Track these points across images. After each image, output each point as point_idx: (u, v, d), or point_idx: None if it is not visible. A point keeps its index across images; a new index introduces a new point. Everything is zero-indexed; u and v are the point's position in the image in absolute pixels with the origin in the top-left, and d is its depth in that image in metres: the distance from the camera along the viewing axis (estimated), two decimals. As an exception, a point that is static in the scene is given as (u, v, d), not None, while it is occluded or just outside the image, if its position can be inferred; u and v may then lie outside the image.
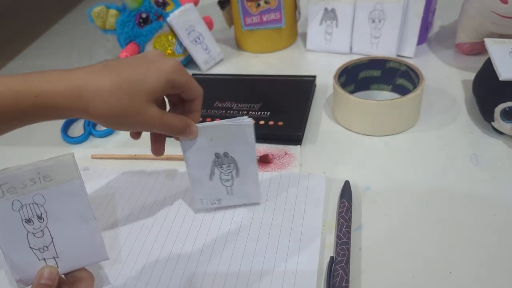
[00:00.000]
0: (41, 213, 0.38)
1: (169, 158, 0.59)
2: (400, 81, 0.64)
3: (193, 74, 0.76)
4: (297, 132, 0.59)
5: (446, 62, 0.72)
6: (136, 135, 0.48)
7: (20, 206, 0.37)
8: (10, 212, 0.37)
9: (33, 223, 0.37)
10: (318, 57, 0.79)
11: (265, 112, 0.63)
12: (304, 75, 0.71)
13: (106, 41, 0.94)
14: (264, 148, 0.59)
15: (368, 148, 0.57)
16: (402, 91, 0.64)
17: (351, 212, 0.47)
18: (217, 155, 0.48)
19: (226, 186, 0.50)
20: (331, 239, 0.46)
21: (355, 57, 0.65)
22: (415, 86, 0.60)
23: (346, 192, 0.50)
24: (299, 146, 0.59)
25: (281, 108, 0.63)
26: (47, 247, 0.38)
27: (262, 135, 0.60)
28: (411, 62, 0.62)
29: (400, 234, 0.46)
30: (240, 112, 0.63)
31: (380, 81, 0.66)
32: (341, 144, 0.59)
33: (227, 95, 0.68)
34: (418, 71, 0.60)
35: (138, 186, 0.55)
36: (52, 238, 0.38)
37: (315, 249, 0.45)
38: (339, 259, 0.42)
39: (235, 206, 0.51)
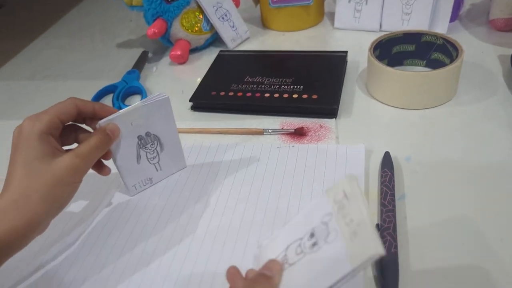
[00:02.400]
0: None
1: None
2: (436, 55, 0.63)
3: (221, 51, 0.75)
4: (333, 105, 0.58)
5: (480, 39, 0.71)
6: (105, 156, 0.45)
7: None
8: None
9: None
10: (347, 35, 0.78)
11: (298, 86, 0.62)
12: (335, 50, 0.70)
13: (129, 22, 0.93)
14: (298, 122, 0.58)
15: (404, 121, 0.56)
16: (437, 65, 0.63)
17: (394, 181, 0.46)
18: (139, 138, 0.48)
19: (153, 164, 0.50)
20: (374, 207, 0.45)
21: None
22: (452, 60, 0.58)
23: (387, 162, 0.49)
24: (334, 119, 0.58)
25: (314, 82, 0.62)
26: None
27: (296, 109, 0.59)
28: (447, 36, 0.60)
29: (446, 203, 0.45)
30: (272, 86, 0.62)
31: (414, 56, 0.65)
32: (377, 117, 0.58)
33: (257, 70, 0.67)
34: (456, 43, 0.58)
35: None
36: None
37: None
38: (385, 226, 0.41)
39: (272, 179, 0.50)
